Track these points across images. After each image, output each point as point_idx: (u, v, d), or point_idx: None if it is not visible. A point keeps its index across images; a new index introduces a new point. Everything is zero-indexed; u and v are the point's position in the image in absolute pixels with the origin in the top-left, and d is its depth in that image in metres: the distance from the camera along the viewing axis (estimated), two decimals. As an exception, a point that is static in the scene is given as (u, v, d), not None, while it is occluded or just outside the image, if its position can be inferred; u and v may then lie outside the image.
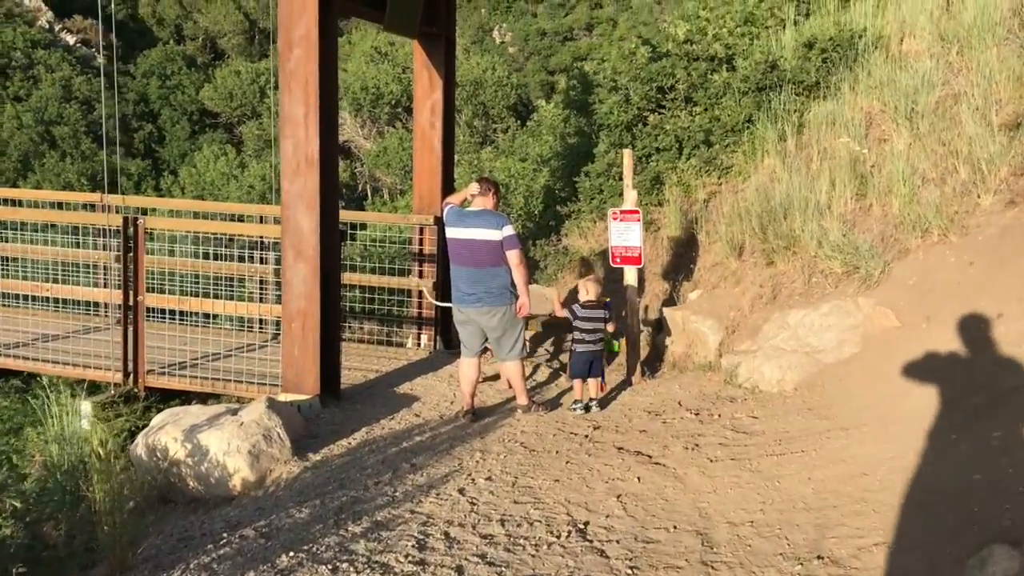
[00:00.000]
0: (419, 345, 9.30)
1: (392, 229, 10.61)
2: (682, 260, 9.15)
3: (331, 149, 7.05)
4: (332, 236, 7.13)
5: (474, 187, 6.78)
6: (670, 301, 8.85)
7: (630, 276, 7.60)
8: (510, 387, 7.24)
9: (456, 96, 26.41)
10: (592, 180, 10.42)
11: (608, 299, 7.17)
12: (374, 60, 37.01)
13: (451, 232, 6.70)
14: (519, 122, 26.10)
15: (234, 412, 6.13)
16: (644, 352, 8.45)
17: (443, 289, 8.77)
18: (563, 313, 7.24)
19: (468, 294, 6.66)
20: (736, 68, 10.02)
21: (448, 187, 9.22)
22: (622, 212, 7.56)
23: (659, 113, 10.41)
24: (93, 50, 56.26)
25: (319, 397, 7.12)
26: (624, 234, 7.54)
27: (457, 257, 6.66)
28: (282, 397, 7.15)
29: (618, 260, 7.64)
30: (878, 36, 9.61)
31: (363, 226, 10.86)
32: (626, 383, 7.68)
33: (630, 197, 7.53)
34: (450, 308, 7.28)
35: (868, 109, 8.89)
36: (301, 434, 6.47)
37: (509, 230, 6.55)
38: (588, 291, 7.06)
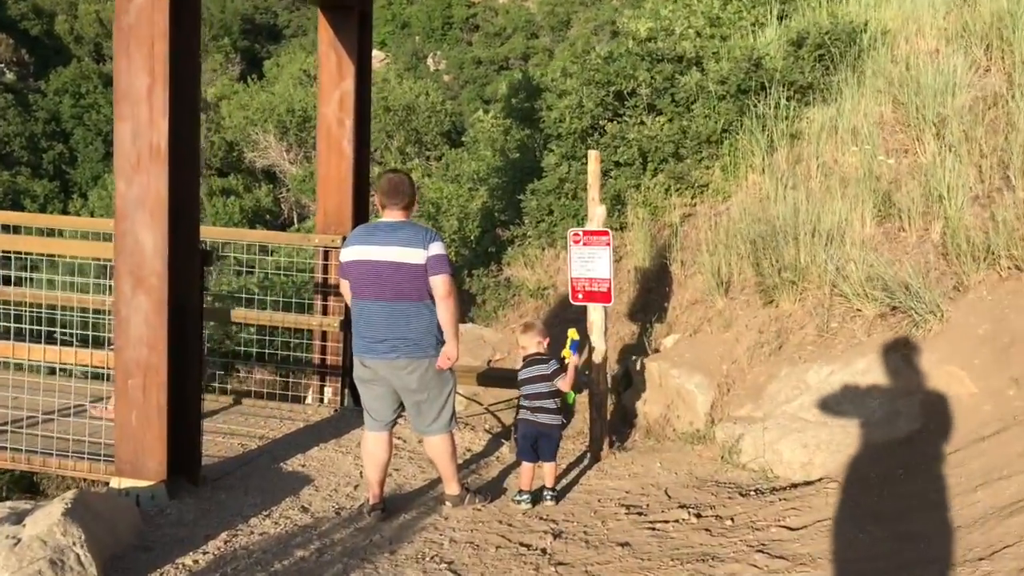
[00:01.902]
0: (322, 400, 7.32)
1: (297, 254, 8.64)
2: (652, 296, 7.37)
3: (188, 138, 5.10)
4: (188, 259, 5.16)
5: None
6: (638, 348, 7.04)
7: (595, 317, 5.77)
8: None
9: (387, 121, 24.16)
10: (540, 199, 8.62)
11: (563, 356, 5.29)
12: (302, 83, 35.11)
13: (353, 253, 4.75)
14: (453, 149, 24.40)
15: (19, 518, 4.09)
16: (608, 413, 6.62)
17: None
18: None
19: (377, 341, 4.72)
20: (706, 71, 8.35)
21: (361, 201, 7.32)
22: (586, 234, 5.75)
23: (618, 121, 8.68)
24: (2, 66, 53.09)
25: (166, 484, 5.09)
26: (588, 262, 5.72)
27: (362, 287, 4.74)
28: (115, 483, 5.12)
29: (580, 296, 5.80)
30: (883, 30, 8.02)
31: (263, 249, 8.88)
32: (589, 457, 5.82)
33: (597, 214, 5.72)
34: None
35: (877, 115, 7.26)
36: (128, 545, 4.47)
37: (437, 247, 4.65)
38: (525, 342, 5.19)
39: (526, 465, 5.11)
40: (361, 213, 7.37)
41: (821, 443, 4.81)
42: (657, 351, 6.75)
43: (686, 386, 5.94)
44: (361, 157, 7.28)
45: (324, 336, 7.27)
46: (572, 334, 5.25)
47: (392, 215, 4.75)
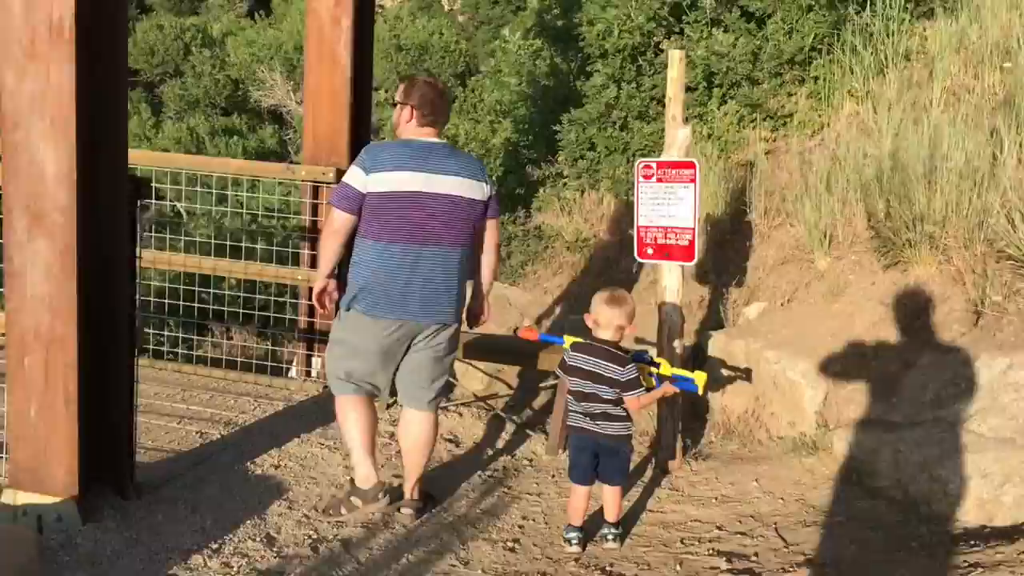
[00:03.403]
0: (308, 374, 5.87)
1: (280, 190, 7.13)
2: (726, 253, 5.85)
3: (109, 13, 3.57)
4: (112, 189, 3.66)
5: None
6: (710, 319, 5.55)
7: (670, 280, 4.27)
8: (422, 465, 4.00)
9: (399, 61, 22.36)
10: (579, 131, 7.06)
11: (644, 351, 3.76)
12: (310, 17, 33.38)
13: (398, 180, 3.54)
14: (464, 93, 22.67)
15: None
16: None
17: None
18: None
19: (411, 296, 3.58)
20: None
21: (361, 125, 5.78)
22: (661, 166, 4.22)
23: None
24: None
25: (79, 501, 3.66)
26: (663, 205, 4.20)
27: (404, 227, 3.55)
28: (9, 497, 3.69)
29: (649, 251, 4.30)
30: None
31: (237, 184, 7.37)
32: (654, 467, 4.37)
33: (679, 139, 4.19)
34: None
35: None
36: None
37: (493, 186, 3.78)
38: (606, 319, 3.53)
39: (578, 490, 3.65)
40: (360, 140, 5.84)
41: (1012, 472, 3.33)
42: (738, 324, 5.25)
43: (787, 374, 4.46)
44: (362, 68, 5.72)
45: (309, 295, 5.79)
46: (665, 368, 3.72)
47: (433, 135, 3.67)
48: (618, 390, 3.47)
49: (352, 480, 3.91)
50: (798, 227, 5.47)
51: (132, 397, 3.99)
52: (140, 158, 6.70)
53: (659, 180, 4.20)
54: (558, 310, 6.27)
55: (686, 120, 4.24)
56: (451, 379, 5.61)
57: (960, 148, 4.69)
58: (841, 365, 4.39)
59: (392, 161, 3.51)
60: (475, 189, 3.60)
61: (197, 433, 4.90)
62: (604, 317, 3.50)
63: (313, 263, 5.77)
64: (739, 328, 5.07)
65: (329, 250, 3.64)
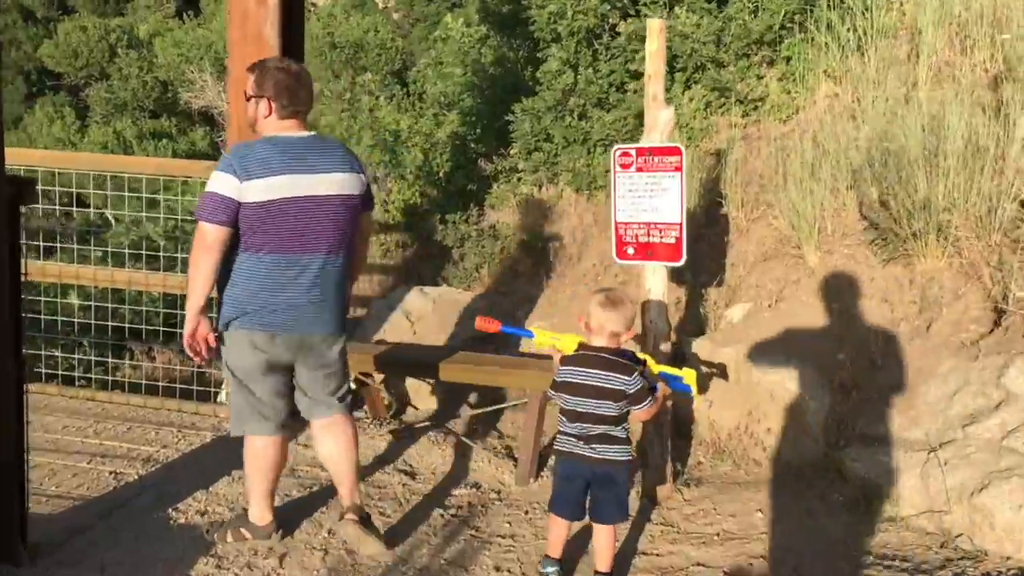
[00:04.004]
0: (242, 398, 5.20)
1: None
2: (702, 249, 5.33)
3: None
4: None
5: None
6: (689, 323, 5.03)
7: (654, 282, 3.73)
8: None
9: (333, 59, 21.52)
10: (533, 121, 6.50)
11: (643, 360, 3.20)
12: (241, 17, 32.32)
13: (280, 186, 3.10)
14: (404, 88, 21.95)
15: None
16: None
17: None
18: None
19: (303, 308, 3.22)
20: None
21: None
22: (642, 153, 3.67)
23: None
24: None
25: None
26: (646, 197, 3.66)
27: (292, 236, 3.16)
28: None
29: (629, 251, 3.75)
30: None
31: (168, 189, 6.64)
32: (642, 496, 3.83)
33: (661, 121, 3.65)
34: None
35: None
36: None
37: (366, 175, 3.47)
38: (601, 323, 3.01)
39: (558, 521, 3.12)
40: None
41: (1071, 500, 2.86)
42: (720, 328, 4.74)
43: (785, 385, 3.95)
44: (291, 51, 5.07)
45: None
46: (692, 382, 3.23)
47: (297, 128, 3.24)
48: (625, 403, 2.95)
49: (246, 510, 3.58)
50: (780, 219, 4.98)
51: (21, 438, 3.32)
52: (40, 158, 5.97)
53: (639, 169, 3.66)
54: (519, 315, 5.71)
55: (668, 100, 3.69)
56: (411, 404, 5.02)
57: (962, 128, 4.23)
58: (846, 373, 3.89)
59: (263, 165, 3.07)
60: (353, 183, 3.27)
61: (111, 474, 4.23)
62: (596, 321, 2.98)
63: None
64: (724, 333, 4.56)
65: (203, 273, 3.12)
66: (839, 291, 4.35)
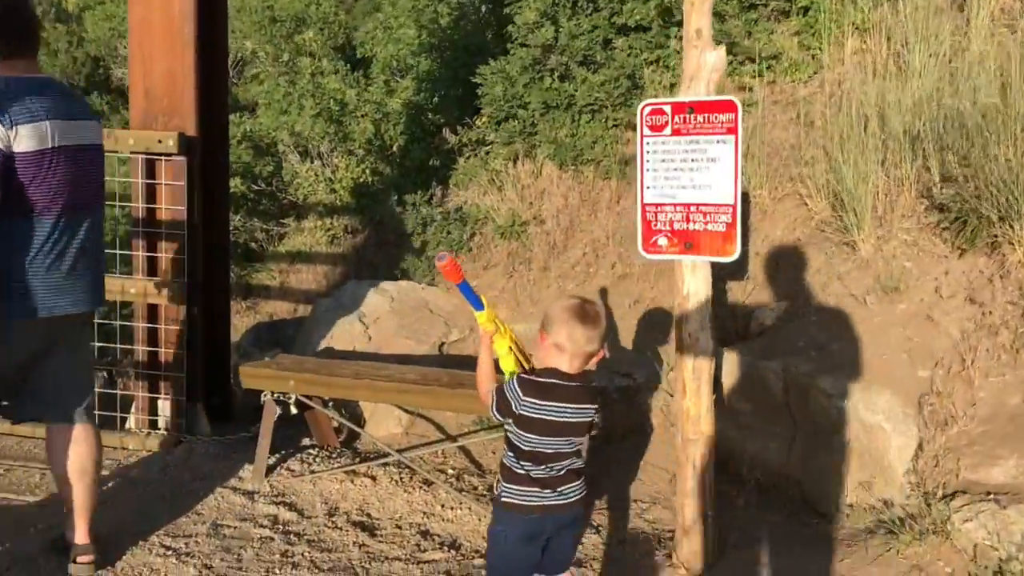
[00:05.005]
0: (153, 425, 4.17)
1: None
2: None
3: None
4: None
5: None
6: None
7: (694, 284, 2.80)
8: None
9: (274, 34, 20.26)
10: (505, 84, 5.50)
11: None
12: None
13: (50, 132, 2.70)
14: (348, 65, 20.78)
15: None
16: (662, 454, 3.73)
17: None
18: (486, 393, 2.48)
19: (81, 275, 2.85)
20: None
21: (214, 76, 4.13)
22: (680, 108, 2.73)
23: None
24: None
25: None
26: (688, 170, 2.72)
27: (64, 191, 2.77)
28: None
29: (661, 242, 2.80)
30: None
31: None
32: (671, 564, 2.92)
33: (707, 65, 2.69)
34: None
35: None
36: None
37: None
38: (565, 344, 2.31)
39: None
40: (215, 94, 4.17)
41: None
42: (750, 332, 3.84)
43: (859, 414, 3.06)
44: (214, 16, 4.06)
45: (153, 314, 4.11)
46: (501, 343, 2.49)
47: (36, 67, 2.84)
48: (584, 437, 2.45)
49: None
50: (817, 199, 4.10)
51: None
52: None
53: (677, 132, 2.72)
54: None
55: (717, 40, 2.75)
56: (355, 427, 4.05)
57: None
58: (937, 398, 3.02)
59: (27, 109, 2.66)
60: (99, 132, 2.96)
61: (-31, 541, 3.20)
62: (570, 339, 2.30)
63: (151, 267, 4.09)
64: (761, 342, 3.65)
65: None
66: (906, 288, 3.47)
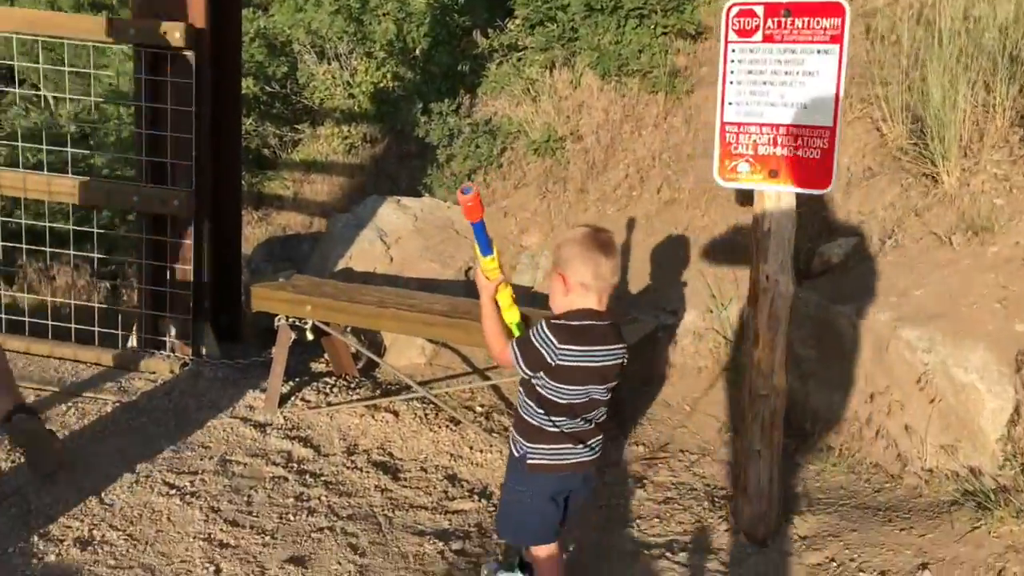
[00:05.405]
0: (155, 347, 3.86)
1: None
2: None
3: None
4: None
5: None
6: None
7: (778, 219, 2.42)
8: None
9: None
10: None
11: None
12: None
13: None
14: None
15: None
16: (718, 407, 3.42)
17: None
18: (503, 349, 2.20)
19: None
20: None
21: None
22: (775, 9, 2.31)
23: None
24: None
25: None
26: (779, 83, 2.32)
27: None
28: None
29: (742, 168, 2.42)
30: None
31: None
32: (731, 531, 2.63)
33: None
34: None
35: None
36: None
37: None
38: (588, 280, 2.10)
39: (552, 551, 2.24)
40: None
41: None
42: (812, 270, 3.48)
43: (950, 371, 2.72)
44: None
45: (158, 225, 3.76)
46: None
47: None
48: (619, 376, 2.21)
49: None
50: (891, 123, 3.68)
51: None
52: None
53: (769, 38, 2.31)
54: (525, 242, 4.39)
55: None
56: (375, 357, 3.73)
57: None
58: (1034, 355, 2.67)
59: None
60: None
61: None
62: (594, 273, 2.10)
63: (156, 174, 3.72)
64: (832, 282, 3.30)
65: None
66: (998, 228, 3.09)
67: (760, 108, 2.36)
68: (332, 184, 6.11)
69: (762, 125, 2.36)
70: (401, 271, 4.16)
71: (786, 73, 2.30)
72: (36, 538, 2.58)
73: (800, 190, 2.37)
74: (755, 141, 2.38)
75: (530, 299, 3.84)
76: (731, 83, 2.39)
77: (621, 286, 3.89)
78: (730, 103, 2.40)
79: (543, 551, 2.24)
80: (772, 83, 2.32)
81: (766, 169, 2.39)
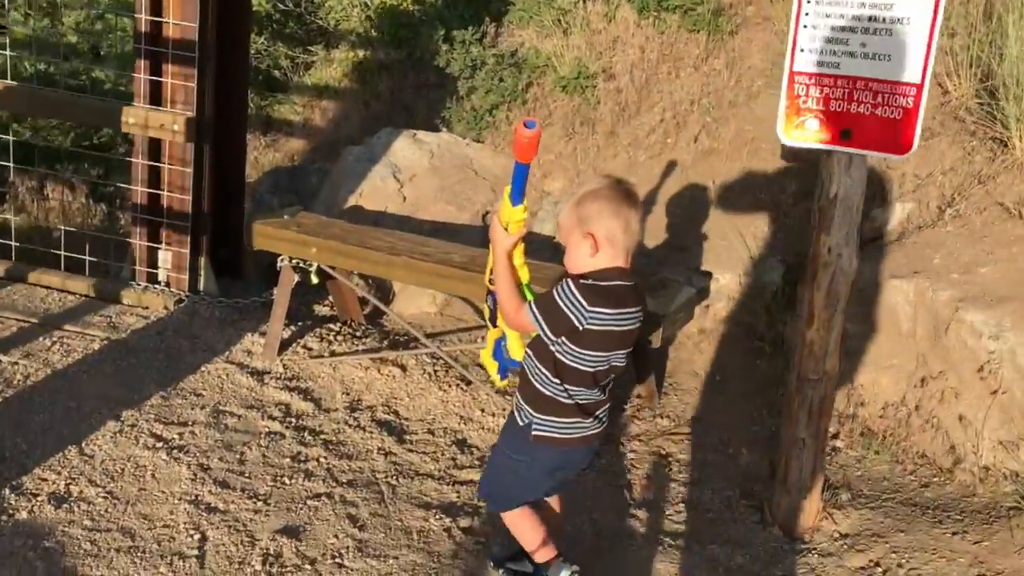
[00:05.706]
0: (150, 280, 3.61)
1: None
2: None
3: None
4: None
5: None
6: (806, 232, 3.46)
7: (846, 184, 2.14)
8: None
9: None
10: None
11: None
12: None
13: None
14: None
15: None
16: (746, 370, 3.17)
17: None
18: (517, 310, 1.97)
19: None
20: None
21: None
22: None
23: None
24: None
25: None
26: (859, 32, 2.02)
27: None
28: None
29: (812, 126, 2.13)
30: None
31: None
32: (762, 525, 2.40)
33: None
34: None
35: None
36: None
37: None
38: (616, 235, 1.89)
39: (532, 512, 2.10)
40: None
41: None
42: (863, 237, 3.20)
43: (1017, 360, 2.45)
44: None
45: (156, 149, 3.48)
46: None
47: None
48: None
49: None
50: (956, 80, 3.36)
51: None
52: None
53: (855, -22, 2.00)
54: (550, 187, 4.10)
55: None
56: (382, 305, 3.48)
57: None
58: None
59: None
60: None
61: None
62: (632, 231, 1.93)
63: (155, 95, 3.43)
64: (887, 252, 3.02)
65: None
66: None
67: (837, 58, 2.06)
68: (344, 111, 5.79)
69: (838, 77, 2.06)
70: (414, 212, 3.88)
71: (871, 19, 2.00)
72: (8, 491, 2.37)
73: (875, 153, 2.08)
74: (828, 95, 2.08)
75: (552, 250, 3.58)
76: (804, 27, 2.08)
77: (649, 243, 3.62)
78: (802, 50, 2.10)
79: (523, 516, 2.08)
80: (854, 29, 2.02)
81: (838, 128, 2.10)
